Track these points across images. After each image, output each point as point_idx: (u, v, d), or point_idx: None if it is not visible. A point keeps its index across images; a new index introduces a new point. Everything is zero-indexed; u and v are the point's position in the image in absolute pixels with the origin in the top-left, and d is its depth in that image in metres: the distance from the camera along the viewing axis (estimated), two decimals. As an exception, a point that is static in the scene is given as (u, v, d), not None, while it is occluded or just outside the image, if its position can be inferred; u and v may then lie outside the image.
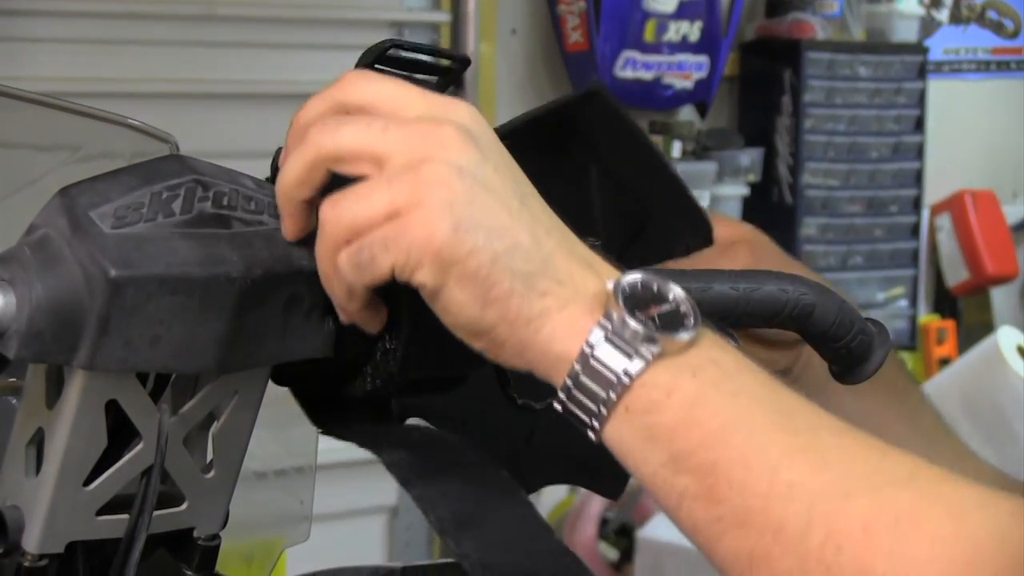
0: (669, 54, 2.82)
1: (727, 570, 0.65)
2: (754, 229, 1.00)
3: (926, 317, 3.28)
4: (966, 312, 3.31)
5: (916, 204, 3.12)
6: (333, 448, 0.81)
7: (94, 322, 0.66)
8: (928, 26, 3.14)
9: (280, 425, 0.84)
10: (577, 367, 0.67)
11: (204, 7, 2.36)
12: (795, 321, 0.83)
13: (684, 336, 0.67)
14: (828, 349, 0.86)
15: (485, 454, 0.79)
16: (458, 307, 0.68)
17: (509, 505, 0.76)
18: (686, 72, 2.84)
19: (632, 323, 0.66)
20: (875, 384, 0.88)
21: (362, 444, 0.77)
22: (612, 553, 2.93)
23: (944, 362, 3.12)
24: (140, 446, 0.72)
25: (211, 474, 0.75)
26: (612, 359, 0.66)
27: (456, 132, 0.68)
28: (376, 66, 0.74)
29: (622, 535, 2.90)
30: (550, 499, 2.94)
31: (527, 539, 0.74)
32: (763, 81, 2.99)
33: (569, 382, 0.67)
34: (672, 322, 0.67)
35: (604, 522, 2.93)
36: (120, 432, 0.71)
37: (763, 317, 0.83)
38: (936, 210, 3.27)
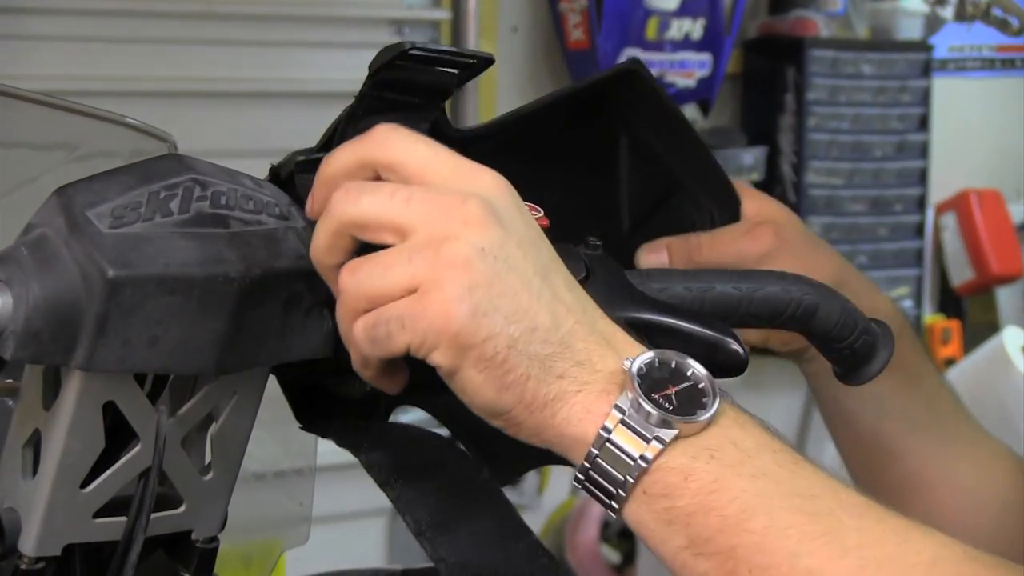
0: (671, 52, 2.81)
1: None
2: (782, 208, 0.99)
3: (931, 317, 3.28)
4: (971, 312, 3.31)
5: (920, 203, 3.11)
6: (333, 450, 0.81)
7: (91, 322, 0.66)
8: (933, 23, 3.14)
9: (279, 426, 0.84)
10: (594, 451, 0.68)
11: (203, 4, 2.36)
12: (798, 322, 0.83)
13: (702, 418, 0.68)
14: (831, 350, 0.86)
15: (466, 454, 0.79)
16: (474, 389, 0.68)
17: (488, 506, 0.76)
18: (688, 70, 2.84)
19: (647, 407, 0.67)
20: (892, 367, 0.89)
21: (341, 443, 0.77)
22: (614, 555, 2.92)
23: (949, 362, 3.12)
24: (138, 448, 0.72)
25: (209, 476, 0.75)
26: (629, 443, 0.67)
27: (480, 209, 0.68)
28: (397, 63, 0.74)
29: (624, 537, 2.90)
30: (552, 501, 2.94)
31: (505, 541, 0.74)
32: (766, 79, 2.99)
33: (587, 464, 0.68)
34: (690, 401, 0.68)
35: (606, 524, 2.92)
36: (118, 433, 0.71)
37: (766, 317, 0.83)
38: (941, 209, 3.27)
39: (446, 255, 0.67)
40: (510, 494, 3.06)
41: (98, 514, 0.72)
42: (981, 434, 1.04)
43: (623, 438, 0.67)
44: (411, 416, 0.86)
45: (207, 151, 0.80)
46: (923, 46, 3.10)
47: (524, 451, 0.86)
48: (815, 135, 2.97)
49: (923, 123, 3.10)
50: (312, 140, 0.84)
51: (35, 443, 0.72)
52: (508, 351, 0.67)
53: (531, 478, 2.86)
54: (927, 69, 3.08)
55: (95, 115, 0.92)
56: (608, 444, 0.67)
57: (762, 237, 0.96)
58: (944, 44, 3.23)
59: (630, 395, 0.67)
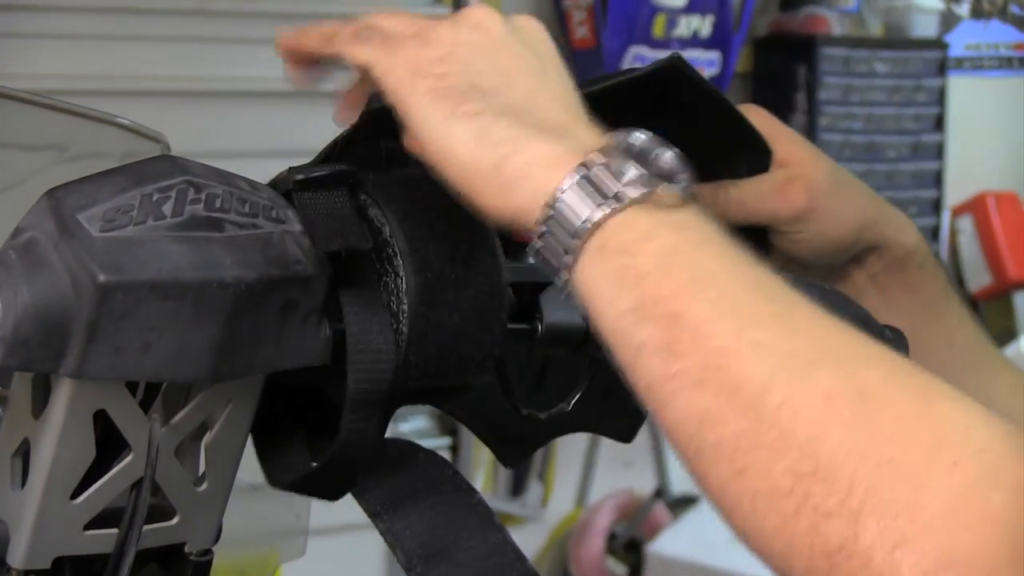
0: (679, 50, 2.82)
1: (675, 432, 0.64)
2: (810, 149, 0.98)
3: (947, 323, 3.27)
4: (988, 318, 3.30)
5: (936, 206, 3.11)
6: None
7: (82, 329, 0.66)
8: (948, 21, 3.14)
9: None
10: (561, 190, 0.67)
11: (196, 2, 2.37)
12: None
13: (676, 189, 0.67)
14: None
15: (459, 474, 0.79)
16: (422, 116, 0.70)
17: (482, 532, 0.76)
18: (697, 69, 2.84)
19: (631, 164, 0.67)
20: (911, 303, 0.89)
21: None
22: (620, 569, 2.92)
23: (965, 370, 3.11)
24: (130, 458, 0.72)
25: (203, 486, 0.75)
26: (597, 189, 0.66)
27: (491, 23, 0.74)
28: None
29: (631, 550, 2.90)
30: (556, 513, 2.94)
31: (499, 569, 0.74)
32: (777, 78, 2.99)
33: (549, 215, 0.67)
34: (666, 175, 0.68)
35: (612, 536, 2.93)
36: (109, 443, 0.71)
37: None
38: (957, 212, 3.27)
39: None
40: (513, 506, 3.07)
41: (89, 526, 0.72)
42: (1003, 363, 1.03)
43: (592, 184, 0.66)
44: (412, 425, 0.86)
45: (201, 152, 0.81)
46: (938, 44, 3.10)
47: (532, 431, 0.87)
48: (827, 135, 2.97)
49: (938, 123, 3.10)
50: (307, 141, 0.84)
51: (24, 452, 0.72)
52: (468, 88, 0.70)
53: (534, 489, 2.86)
54: (942, 68, 3.08)
55: (86, 115, 0.92)
56: (579, 186, 0.67)
57: (795, 197, 0.95)
58: (960, 42, 3.23)
59: (608, 151, 0.67)
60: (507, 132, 0.69)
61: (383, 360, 0.74)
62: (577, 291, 0.67)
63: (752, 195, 0.95)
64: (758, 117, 0.96)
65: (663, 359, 0.64)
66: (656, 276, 0.65)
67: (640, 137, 0.68)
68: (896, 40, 3.07)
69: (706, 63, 2.85)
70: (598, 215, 0.66)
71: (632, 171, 0.67)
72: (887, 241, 0.98)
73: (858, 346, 0.64)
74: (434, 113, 0.70)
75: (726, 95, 0.94)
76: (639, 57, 2.79)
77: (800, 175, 0.96)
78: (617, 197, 0.66)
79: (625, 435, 0.92)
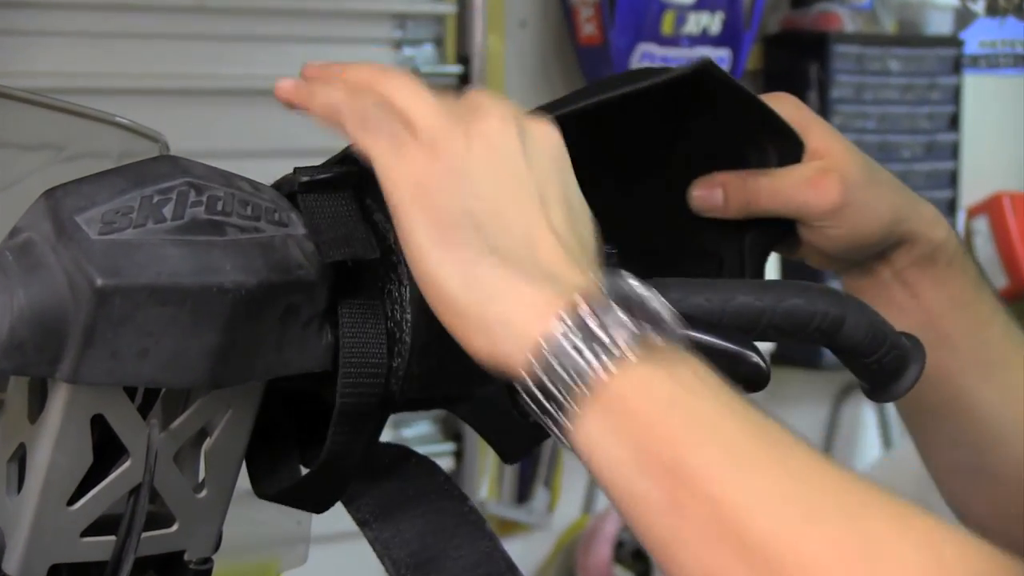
0: (688, 47, 2.82)
1: None
2: (844, 143, 0.97)
3: (961, 327, 3.27)
4: (1004, 321, 3.30)
5: (951, 207, 3.11)
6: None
7: (79, 333, 0.66)
8: (963, 18, 3.13)
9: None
10: (546, 351, 0.66)
11: (196, -2, 2.37)
12: (824, 335, 0.83)
13: (666, 337, 0.67)
14: (858, 365, 0.85)
15: (450, 480, 0.79)
16: (409, 232, 0.70)
17: (472, 540, 0.76)
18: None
19: (618, 312, 0.66)
20: (940, 299, 0.88)
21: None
22: (628, 577, 2.92)
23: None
24: (127, 463, 0.72)
25: (203, 493, 0.75)
26: (589, 339, 0.66)
27: (499, 121, 0.71)
28: None
29: (639, 558, 2.90)
30: (563, 520, 2.94)
31: None
32: (788, 76, 2.99)
33: (537, 366, 0.66)
34: (658, 324, 0.68)
35: (620, 544, 2.92)
36: (106, 448, 0.72)
37: (789, 330, 0.83)
38: (972, 213, 3.26)
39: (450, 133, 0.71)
40: (519, 513, 3.07)
41: (86, 533, 0.72)
42: None
43: (581, 334, 0.66)
44: (415, 430, 0.86)
45: (201, 152, 0.81)
46: (953, 41, 3.09)
47: (525, 432, 0.87)
48: (839, 135, 2.96)
49: (953, 122, 3.09)
50: (311, 140, 0.84)
51: (20, 458, 0.72)
52: (461, 216, 0.69)
53: (540, 496, 2.86)
54: (957, 66, 3.08)
55: (83, 114, 0.92)
56: (566, 344, 0.66)
57: (829, 190, 0.93)
58: (975, 39, 3.22)
59: (596, 301, 0.67)
60: (494, 273, 0.68)
61: (375, 372, 0.74)
62: (572, 444, 0.67)
63: (785, 185, 0.93)
64: (788, 105, 0.94)
65: (667, 513, 0.64)
66: (654, 428, 0.65)
67: (630, 282, 0.69)
68: (910, 37, 3.07)
69: (716, 61, 2.85)
70: (588, 368, 0.66)
71: (621, 319, 0.66)
72: (916, 236, 0.97)
73: (862, 492, 0.65)
74: (425, 238, 0.69)
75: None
76: (647, 55, 2.78)
77: (834, 167, 0.94)
78: (606, 348, 0.66)
79: None
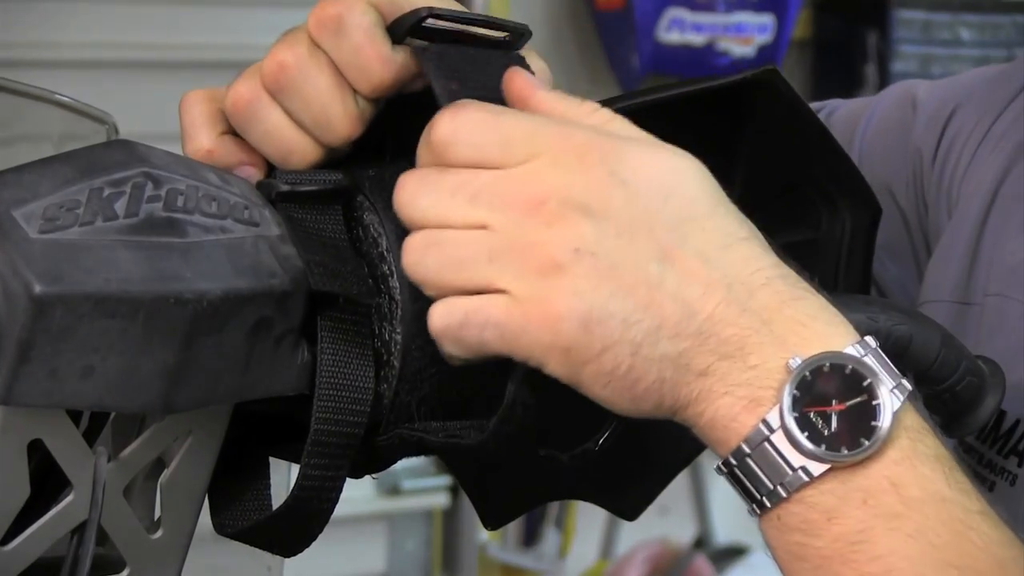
0: (725, 13, 2.82)
1: None
2: None
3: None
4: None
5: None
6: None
7: (12, 347, 0.67)
8: (1047, -21, 3.14)
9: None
10: (733, 461, 0.70)
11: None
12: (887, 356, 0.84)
13: (862, 453, 0.69)
14: (928, 392, 0.85)
15: None
16: (604, 401, 0.71)
17: None
18: (746, 36, 2.85)
19: (797, 434, 0.68)
20: None
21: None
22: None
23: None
24: (70, 497, 0.72)
25: (159, 533, 0.76)
26: (769, 466, 0.69)
27: (560, 207, 0.69)
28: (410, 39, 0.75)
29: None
30: (577, 566, 2.94)
31: None
32: (842, 46, 2.99)
33: (725, 470, 0.70)
34: (858, 422, 0.69)
35: (643, 594, 2.93)
36: (47, 479, 0.72)
37: None
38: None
39: (535, 262, 0.69)
40: (526, 557, 3.06)
41: (22, 578, 0.72)
42: None
43: (764, 459, 0.69)
44: (402, 463, 0.86)
45: (154, 135, 0.81)
46: (1034, 6, 3.10)
47: (519, 495, 0.87)
48: (902, 115, 2.97)
49: (1035, 100, 3.09)
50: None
51: (-54, 492, 0.72)
52: (632, 359, 0.69)
53: (551, 538, 2.86)
54: (1039, 34, 3.08)
55: (17, 91, 0.92)
56: (748, 459, 0.69)
57: None
58: (1060, 4, 3.22)
59: (781, 415, 0.69)
60: (678, 389, 0.70)
61: (357, 397, 0.74)
62: (764, 537, 0.71)
63: None
64: None
65: None
66: (838, 564, 0.68)
67: (823, 363, 0.70)
68: (982, 2, 3.07)
69: (757, 29, 2.85)
70: (793, 483, 0.69)
71: (806, 442, 0.68)
72: None
73: None
74: (617, 401, 0.71)
75: (781, 68, 0.94)
76: (676, 21, 2.79)
77: None
78: (803, 469, 0.69)
79: (631, 511, 0.93)
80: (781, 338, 0.70)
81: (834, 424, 0.69)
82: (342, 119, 0.76)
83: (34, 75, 0.97)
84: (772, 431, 0.69)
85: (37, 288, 0.66)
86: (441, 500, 2.75)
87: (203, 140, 0.78)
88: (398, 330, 0.75)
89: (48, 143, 0.88)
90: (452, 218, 0.70)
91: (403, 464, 2.52)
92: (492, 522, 0.85)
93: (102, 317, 0.68)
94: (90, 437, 0.73)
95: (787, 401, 0.68)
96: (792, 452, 0.68)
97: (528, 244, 0.69)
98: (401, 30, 0.75)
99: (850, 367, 0.70)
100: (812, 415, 0.68)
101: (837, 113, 1.15)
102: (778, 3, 2.85)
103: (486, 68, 0.76)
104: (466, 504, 2.73)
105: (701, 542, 3.02)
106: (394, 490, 2.75)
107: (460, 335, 0.70)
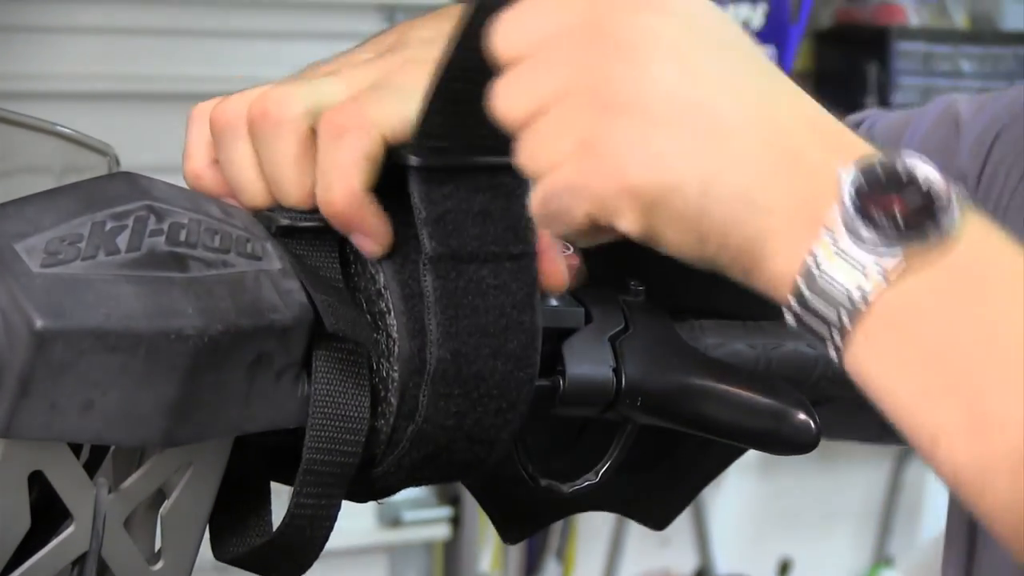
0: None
1: (1001, 519, 0.65)
2: None
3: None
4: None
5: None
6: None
7: (13, 381, 0.67)
8: (1047, 11, 3.14)
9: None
10: (801, 285, 0.67)
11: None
12: (833, 383, 0.83)
13: (933, 235, 0.66)
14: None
15: None
16: (673, 247, 0.69)
17: None
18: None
19: (863, 230, 0.66)
20: None
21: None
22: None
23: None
24: (71, 529, 0.72)
25: (159, 565, 0.76)
26: (842, 275, 0.67)
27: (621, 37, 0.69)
28: None
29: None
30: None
31: None
32: (843, 78, 3.00)
33: (794, 303, 0.68)
34: (920, 213, 0.67)
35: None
36: (47, 511, 0.72)
37: (791, 378, 0.83)
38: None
39: (601, 99, 0.68)
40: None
41: (22, 610, 0.72)
42: None
43: (835, 271, 0.67)
44: (402, 493, 0.87)
45: (156, 167, 0.81)
46: (1035, 38, 3.10)
47: (535, 510, 0.87)
48: (903, 147, 2.97)
49: (1035, 132, 3.10)
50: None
51: (-53, 523, 0.72)
52: (701, 199, 0.68)
53: (551, 569, 2.86)
54: (1040, 66, 3.09)
55: (19, 122, 0.93)
56: (817, 279, 0.67)
57: None
58: (1061, 35, 3.23)
59: (840, 216, 0.66)
60: (743, 228, 0.69)
61: (351, 428, 0.74)
62: (852, 374, 0.68)
63: None
64: None
65: (970, 443, 0.65)
66: (940, 353, 0.66)
67: (874, 167, 0.68)
68: (984, 33, 3.08)
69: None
70: (848, 298, 0.67)
71: (872, 235, 0.66)
72: None
73: None
74: (686, 245, 0.70)
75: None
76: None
77: None
78: (874, 265, 0.66)
79: (659, 521, 0.92)
80: (839, 150, 0.69)
81: (897, 218, 0.66)
82: (297, 191, 0.76)
83: (35, 107, 0.97)
84: (834, 239, 0.67)
85: (38, 323, 0.66)
86: (442, 531, 2.75)
87: (196, 162, 0.78)
88: (395, 367, 0.75)
89: (49, 175, 0.88)
90: (519, 104, 0.70)
91: (404, 495, 2.53)
92: (511, 537, 0.85)
93: (103, 352, 0.68)
94: (91, 468, 0.73)
95: (847, 199, 0.66)
96: (861, 253, 0.66)
97: (592, 85, 0.69)
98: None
99: (899, 165, 0.68)
100: (873, 212, 0.66)
101: (878, 126, 1.14)
102: (779, 34, 2.85)
103: None
104: (467, 535, 2.73)
105: (702, 573, 3.02)
106: (395, 521, 2.75)
107: (548, 210, 0.70)
